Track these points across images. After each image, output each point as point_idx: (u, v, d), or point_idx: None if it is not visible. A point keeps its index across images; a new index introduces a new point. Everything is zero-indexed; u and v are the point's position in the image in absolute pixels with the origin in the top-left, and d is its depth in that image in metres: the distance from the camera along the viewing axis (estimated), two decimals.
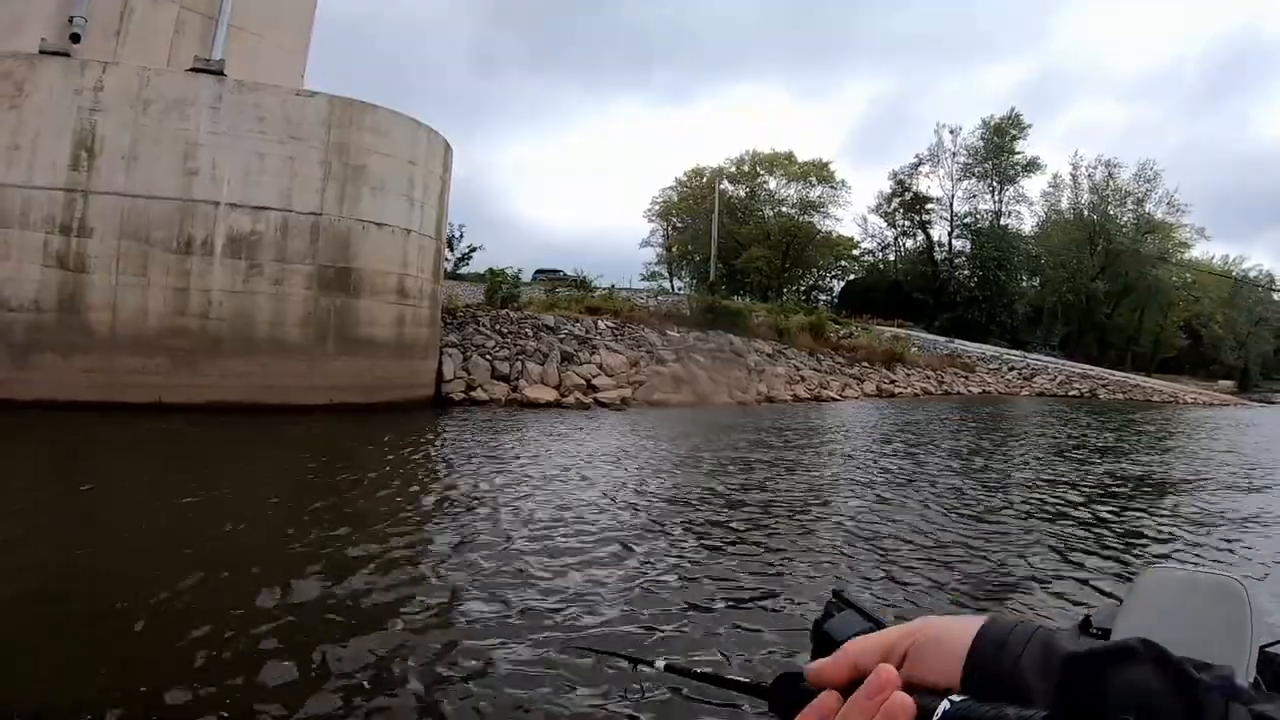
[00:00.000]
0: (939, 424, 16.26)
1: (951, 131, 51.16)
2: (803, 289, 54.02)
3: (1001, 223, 50.03)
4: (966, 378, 28.06)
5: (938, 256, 52.15)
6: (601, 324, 18.35)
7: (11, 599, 3.86)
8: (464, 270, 32.01)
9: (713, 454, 10.10)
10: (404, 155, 12.19)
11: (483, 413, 12.95)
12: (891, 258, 55.66)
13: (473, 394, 14.06)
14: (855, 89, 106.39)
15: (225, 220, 11.20)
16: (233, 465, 8.62)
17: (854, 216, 79.22)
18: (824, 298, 53.41)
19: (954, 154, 50.99)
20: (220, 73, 11.45)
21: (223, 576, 4.34)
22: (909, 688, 0.40)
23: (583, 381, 15.53)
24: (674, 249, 55.36)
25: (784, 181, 51.79)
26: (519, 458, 8.96)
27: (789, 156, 51.38)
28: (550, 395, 14.67)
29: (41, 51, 11.59)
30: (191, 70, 11.49)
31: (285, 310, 11.35)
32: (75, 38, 11.99)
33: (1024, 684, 0.38)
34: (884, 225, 55.07)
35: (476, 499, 6.72)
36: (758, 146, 55.64)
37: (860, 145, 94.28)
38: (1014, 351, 36.04)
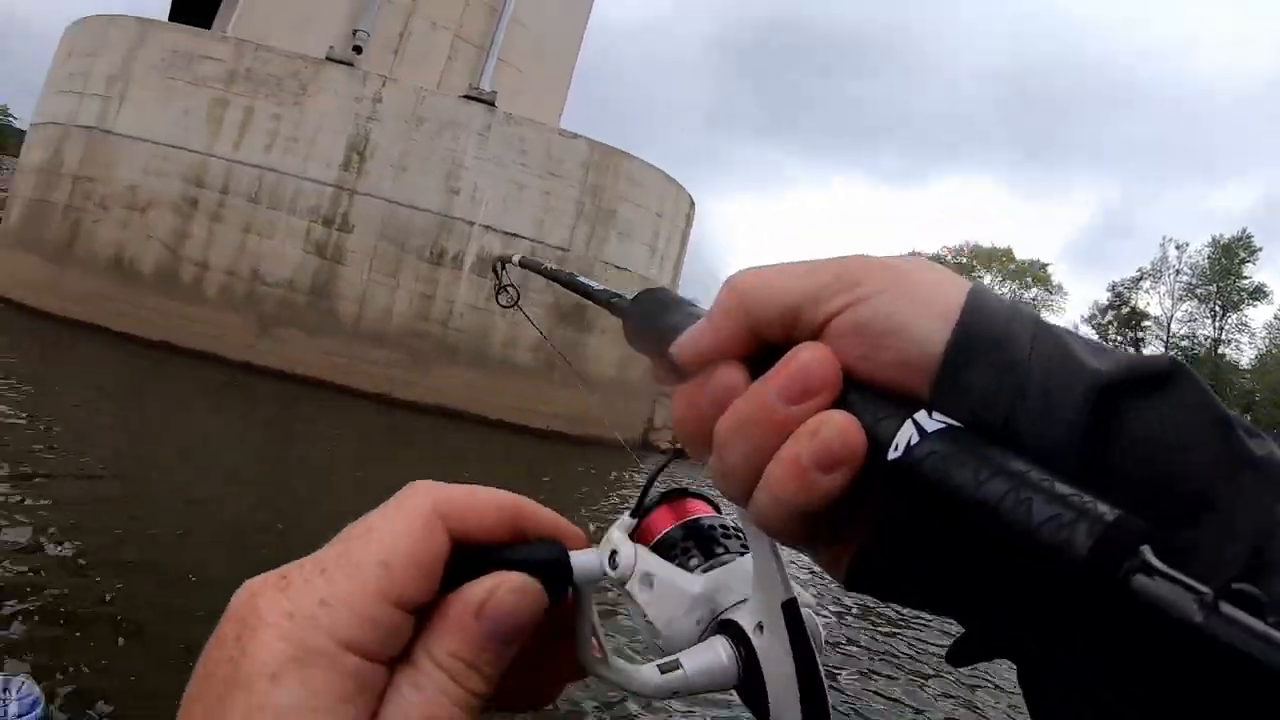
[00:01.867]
0: None
1: (1178, 247, 48.09)
2: None
3: (1219, 351, 46.34)
4: None
5: None
6: None
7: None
8: None
9: None
10: (652, 206, 12.86)
11: (684, 463, 13.12)
12: None
13: (677, 445, 14.12)
14: (1080, 191, 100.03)
15: (478, 240, 11.76)
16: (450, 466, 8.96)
17: (1066, 324, 77.65)
18: None
19: (1177, 271, 47.77)
20: (492, 103, 12.21)
21: None
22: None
23: None
24: None
25: (999, 278, 50.03)
26: None
27: (1007, 253, 50.22)
28: None
29: (328, 58, 12.43)
30: (465, 97, 12.27)
31: (520, 334, 11.77)
32: (358, 49, 12.87)
33: (1035, 407, 0.21)
34: (1095, 337, 54.23)
35: None
36: (977, 239, 53.95)
37: (1079, 250, 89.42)
38: None
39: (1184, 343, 48.81)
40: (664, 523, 0.44)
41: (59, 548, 3.65)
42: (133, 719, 2.42)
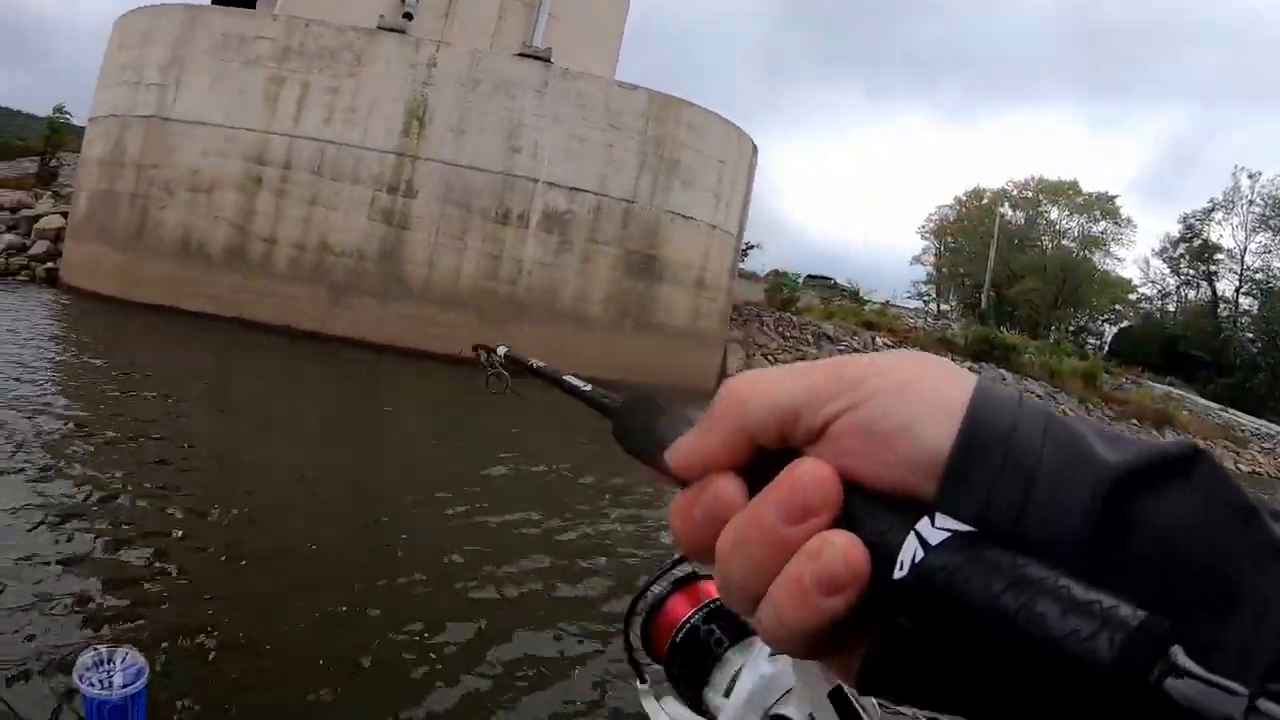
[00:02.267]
0: None
1: (1250, 177, 45.44)
2: (1072, 329, 49.13)
3: None
4: (1238, 454, 25.36)
5: (1221, 313, 46.50)
6: (879, 340, 18.35)
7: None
8: (740, 267, 31.44)
9: None
10: (714, 153, 12.68)
11: None
12: (1170, 308, 50.16)
13: None
14: (1150, 122, 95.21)
15: (542, 197, 11.68)
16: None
17: (1135, 258, 73.10)
18: (1092, 341, 48.01)
19: (1250, 202, 45.10)
20: (547, 60, 12.10)
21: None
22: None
23: None
24: (944, 270, 52.13)
25: (1066, 213, 48.20)
26: None
27: (1073, 186, 47.96)
28: None
29: (379, 27, 12.40)
30: (519, 55, 12.17)
31: (590, 287, 11.70)
32: (408, 16, 12.82)
33: (1046, 503, 0.20)
34: (1167, 272, 48.92)
35: None
36: (1043, 172, 51.33)
37: (1150, 183, 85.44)
38: None
39: (1258, 275, 46.29)
40: (681, 610, 0.43)
41: (165, 522, 3.64)
42: (240, 689, 2.38)
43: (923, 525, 0.20)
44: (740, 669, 0.41)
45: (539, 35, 12.78)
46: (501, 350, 0.67)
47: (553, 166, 11.74)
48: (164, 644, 2.52)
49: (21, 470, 4.03)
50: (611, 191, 11.92)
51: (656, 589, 0.49)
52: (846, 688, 0.28)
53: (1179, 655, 0.17)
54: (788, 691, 0.33)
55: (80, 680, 0.98)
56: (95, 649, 1.05)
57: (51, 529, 3.32)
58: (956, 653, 0.20)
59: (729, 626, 0.39)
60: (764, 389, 0.24)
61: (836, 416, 0.23)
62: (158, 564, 3.20)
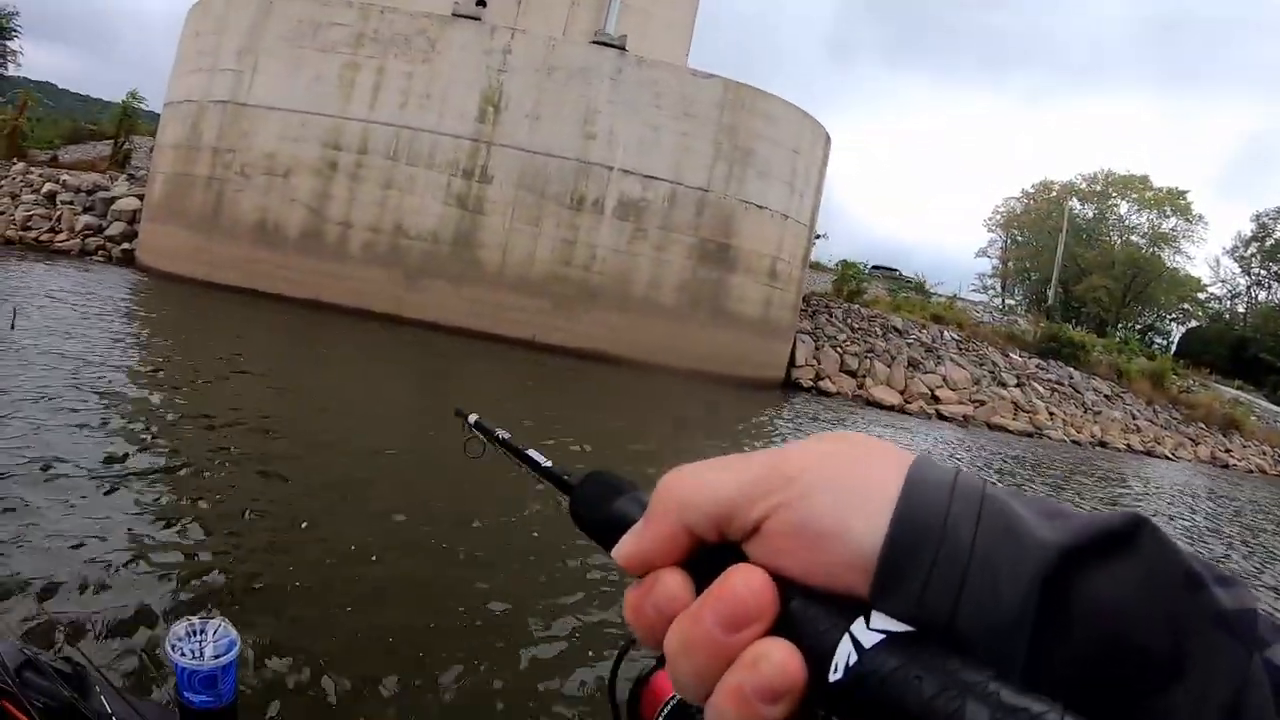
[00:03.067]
0: None
1: None
2: (1139, 328, 48.19)
3: None
4: None
5: None
6: (947, 334, 18.30)
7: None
8: None
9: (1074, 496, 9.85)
10: (789, 143, 12.62)
11: (829, 404, 13.07)
12: (1240, 309, 49.04)
13: (820, 384, 14.25)
14: (1226, 117, 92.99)
15: (617, 184, 11.71)
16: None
17: (1206, 257, 71.88)
18: (1160, 340, 47.20)
19: None
20: (622, 47, 12.10)
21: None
22: (774, 578, 0.22)
23: (927, 391, 15.51)
24: (1010, 264, 51.39)
25: (1135, 207, 47.35)
26: None
27: (1144, 180, 47.13)
28: (895, 399, 14.69)
29: (454, 14, 12.50)
30: (594, 43, 12.19)
31: (663, 275, 11.72)
32: (482, 3, 12.89)
33: (980, 598, 0.20)
34: (1238, 271, 47.98)
35: None
36: (1112, 165, 50.95)
37: (1224, 179, 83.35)
38: None
39: None
40: (668, 686, 0.43)
41: (248, 501, 3.67)
42: (326, 662, 2.40)
43: (857, 627, 0.20)
44: None
45: (611, 22, 12.78)
46: (473, 418, 0.67)
47: (627, 154, 11.76)
48: (254, 616, 2.59)
49: (118, 441, 4.12)
50: (686, 180, 11.91)
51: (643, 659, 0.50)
52: None
53: None
54: None
55: (172, 650, 1.00)
56: (189, 619, 1.07)
57: (144, 503, 3.39)
58: None
59: None
60: (700, 487, 0.24)
61: (769, 515, 0.23)
62: (249, 539, 3.26)
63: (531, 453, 0.50)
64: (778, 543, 0.23)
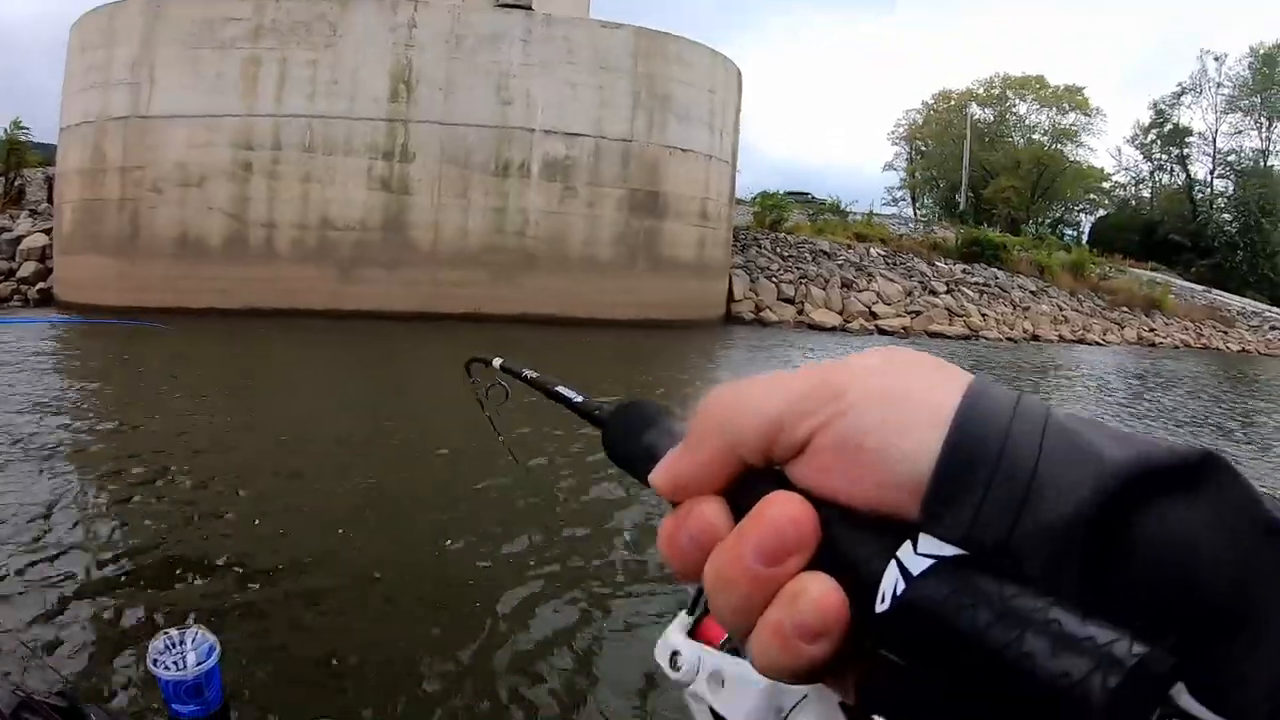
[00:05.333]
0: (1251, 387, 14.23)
1: (1216, 59, 45.83)
2: (1049, 222, 49.49)
3: (1268, 163, 44.32)
4: (1225, 333, 25.95)
5: (1196, 196, 46.48)
6: (874, 251, 18.70)
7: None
8: None
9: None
10: (704, 84, 12.63)
11: (774, 333, 13.23)
12: (1146, 194, 50.45)
13: (761, 315, 14.51)
14: (1113, 14, 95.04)
15: (540, 146, 11.60)
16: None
17: (1108, 148, 73.05)
18: (1070, 232, 48.39)
19: (1218, 84, 45.31)
20: (528, 7, 11.96)
21: None
22: (817, 504, 0.21)
23: (864, 308, 15.94)
24: (917, 174, 52.05)
25: (1035, 107, 48.17)
26: None
27: (1039, 80, 48.05)
28: (835, 320, 15.06)
29: None
30: (500, 6, 12.02)
31: (597, 231, 11.68)
32: None
33: (1040, 519, 0.19)
34: (1140, 158, 49.24)
35: None
36: (1007, 69, 51.76)
37: (1117, 72, 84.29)
38: (1276, 309, 32.37)
39: (1231, 157, 46.53)
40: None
41: (221, 510, 3.67)
42: (302, 663, 2.43)
43: (904, 552, 0.19)
44: None
45: None
46: (497, 362, 0.65)
47: (546, 114, 11.66)
48: (228, 617, 2.60)
49: (63, 477, 4.06)
50: (608, 133, 11.87)
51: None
52: None
53: (1181, 695, 0.16)
54: (803, 698, 0.34)
55: (154, 665, 1.02)
56: (165, 633, 1.07)
57: (109, 528, 3.40)
58: (952, 682, 0.18)
59: None
60: (746, 404, 0.23)
61: (817, 431, 0.21)
62: (221, 546, 3.26)
63: (561, 389, 0.48)
64: (823, 460, 0.21)
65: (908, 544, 0.19)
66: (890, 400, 0.21)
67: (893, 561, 0.19)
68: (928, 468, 0.20)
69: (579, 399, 0.44)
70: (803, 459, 0.22)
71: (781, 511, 0.21)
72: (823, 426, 0.21)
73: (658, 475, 0.25)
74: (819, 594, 0.20)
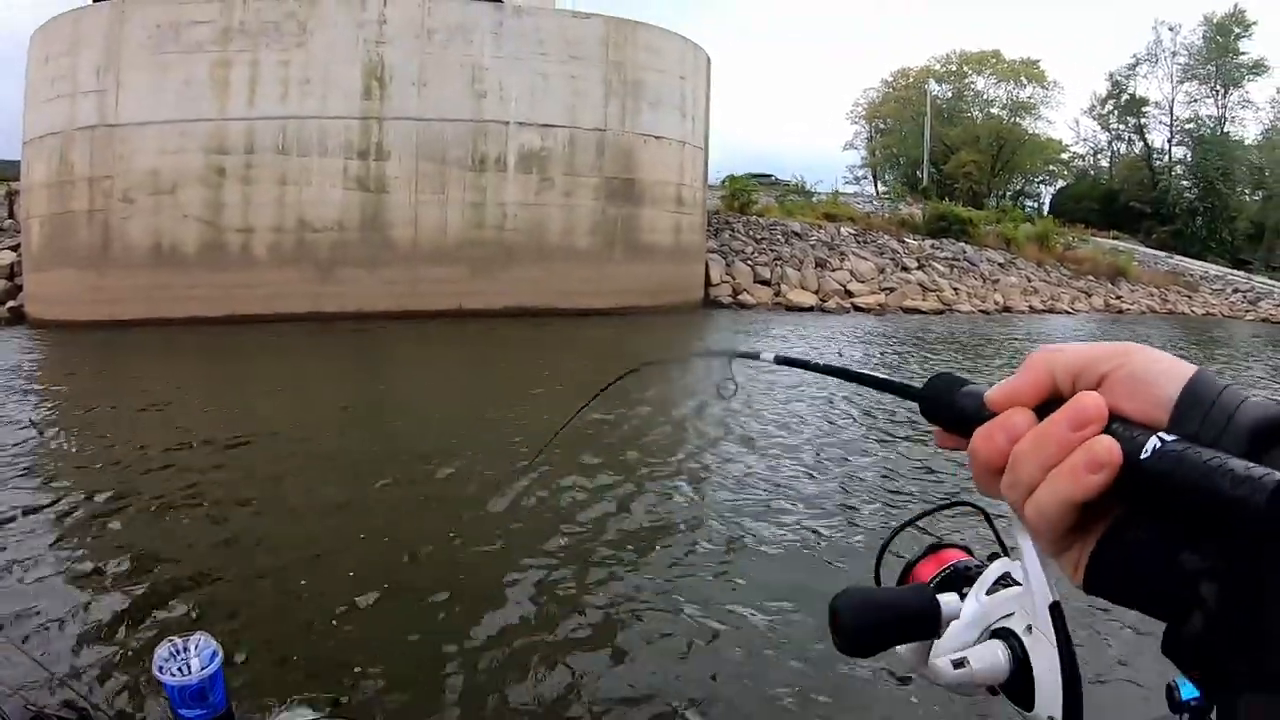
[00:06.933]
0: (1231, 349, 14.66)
1: (1171, 29, 46.95)
2: (1010, 194, 50.29)
3: (1224, 130, 45.36)
4: (1190, 297, 26.70)
5: (1155, 164, 47.39)
6: (844, 230, 18.95)
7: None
8: None
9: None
10: (675, 70, 12.70)
11: (753, 315, 13.35)
12: (1105, 164, 51.25)
13: (739, 298, 14.62)
14: None
15: (516, 138, 11.61)
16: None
17: (1066, 120, 73.86)
18: (1031, 204, 49.32)
19: (1173, 54, 46.11)
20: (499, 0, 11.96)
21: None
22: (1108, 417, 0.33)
23: (839, 287, 16.12)
24: (878, 152, 52.45)
25: (993, 81, 48.95)
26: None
27: (995, 54, 48.85)
28: (811, 299, 15.20)
29: None
30: None
31: (575, 221, 11.73)
32: None
33: (1234, 445, 0.31)
34: (1097, 129, 50.29)
35: None
36: (964, 45, 52.46)
37: (1077, 43, 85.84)
38: (1237, 272, 33.25)
39: (1188, 125, 47.25)
40: (930, 569, 0.56)
41: (212, 522, 3.72)
42: (298, 666, 2.49)
43: (1161, 433, 0.31)
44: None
45: None
46: (766, 355, 0.71)
47: (520, 106, 11.67)
48: (231, 622, 2.68)
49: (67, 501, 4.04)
50: (582, 123, 11.91)
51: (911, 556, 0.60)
52: (1063, 603, 0.39)
53: None
54: (1009, 615, 0.44)
55: (160, 672, 1.07)
56: (170, 640, 1.11)
57: (108, 546, 3.40)
58: (1160, 545, 0.31)
59: (970, 583, 0.51)
60: (1070, 350, 0.36)
61: (1113, 370, 0.34)
62: (227, 552, 3.34)
63: (868, 371, 0.52)
64: (1115, 387, 0.33)
65: (1160, 433, 0.31)
66: (1157, 359, 0.34)
67: (1154, 437, 0.31)
68: (1175, 397, 0.32)
69: (885, 377, 0.49)
70: (1101, 388, 0.34)
71: (1089, 396, 0.33)
72: (1118, 368, 0.34)
73: (994, 392, 0.37)
74: (1108, 441, 0.31)
